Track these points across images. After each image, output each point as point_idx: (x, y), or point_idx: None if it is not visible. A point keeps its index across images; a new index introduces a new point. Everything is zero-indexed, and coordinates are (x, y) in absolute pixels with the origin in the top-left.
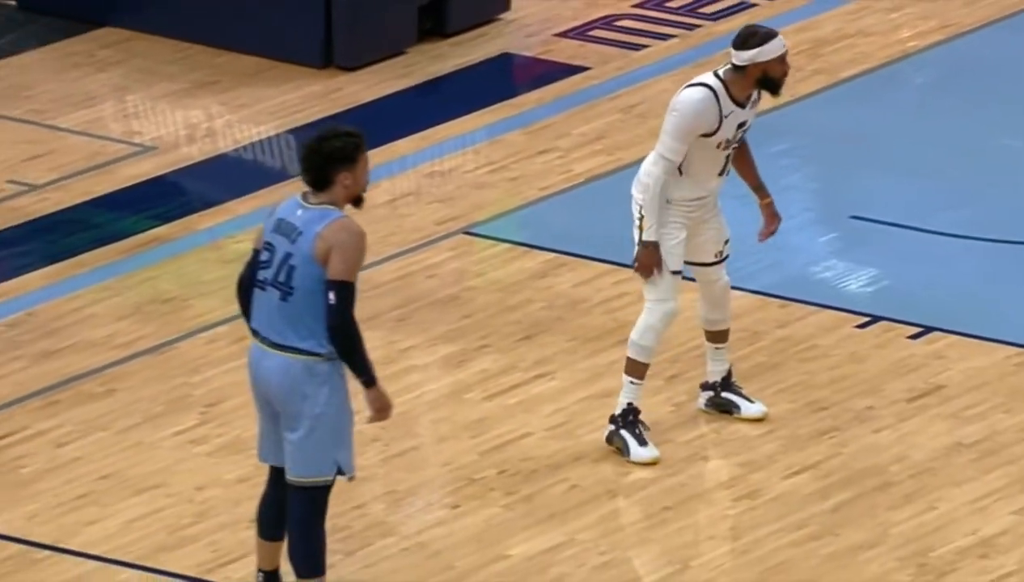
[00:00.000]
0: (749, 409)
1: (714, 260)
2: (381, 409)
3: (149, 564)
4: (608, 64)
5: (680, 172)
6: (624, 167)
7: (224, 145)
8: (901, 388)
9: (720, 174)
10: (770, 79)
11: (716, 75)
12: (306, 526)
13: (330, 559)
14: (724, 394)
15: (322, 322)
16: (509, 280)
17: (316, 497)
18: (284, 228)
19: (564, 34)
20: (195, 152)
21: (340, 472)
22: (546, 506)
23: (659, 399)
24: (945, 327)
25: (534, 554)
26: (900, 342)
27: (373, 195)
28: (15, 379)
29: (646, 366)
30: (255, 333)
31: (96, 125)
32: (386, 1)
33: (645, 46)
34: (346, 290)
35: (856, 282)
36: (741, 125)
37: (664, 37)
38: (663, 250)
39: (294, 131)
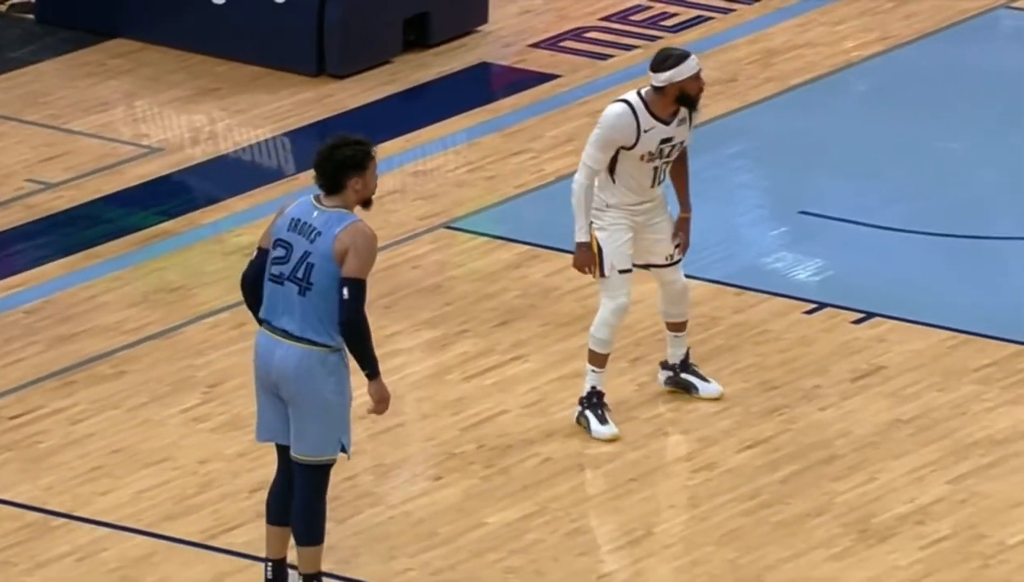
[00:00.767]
0: (706, 389)
1: (665, 263)
2: (381, 401)
3: (157, 531)
4: (577, 72)
5: (613, 181)
6: None
7: (225, 147)
8: (845, 369)
9: (653, 185)
10: (687, 96)
11: (638, 93)
12: (310, 499)
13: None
14: (683, 375)
15: (335, 318)
16: (487, 270)
17: (320, 473)
18: (301, 228)
19: (537, 45)
20: (198, 153)
21: (343, 450)
22: (521, 478)
23: (623, 380)
24: (886, 313)
25: (510, 522)
26: (844, 327)
27: None
28: (33, 362)
29: (604, 356)
30: (266, 323)
31: (107, 128)
32: (373, 15)
33: (611, 56)
34: (359, 287)
35: (804, 272)
36: (667, 140)
37: (628, 48)
38: (610, 251)
39: (289, 134)
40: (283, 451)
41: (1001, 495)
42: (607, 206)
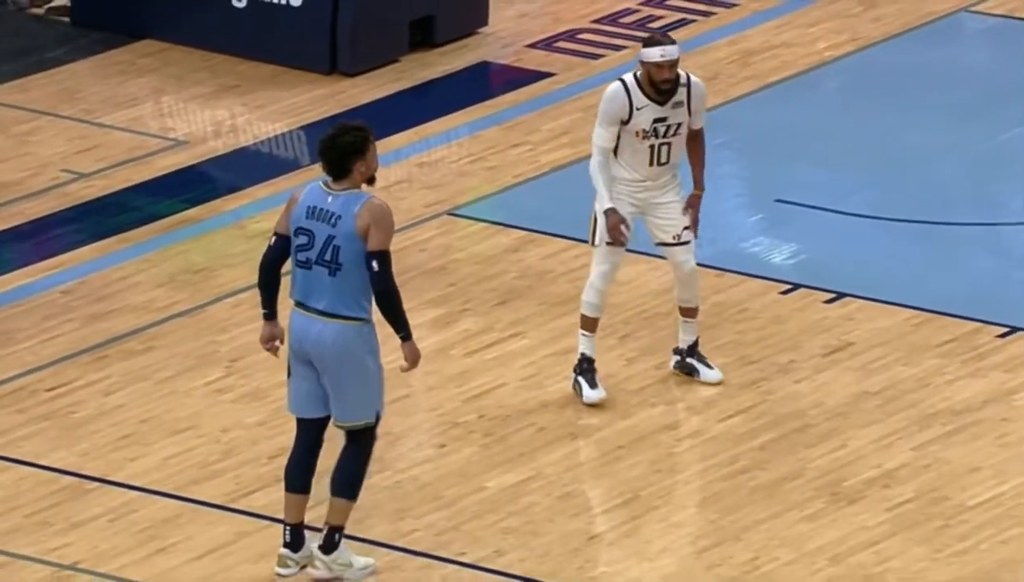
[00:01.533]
0: (707, 374)
1: (672, 242)
2: (414, 360)
3: (183, 494)
4: (571, 70)
5: (616, 157)
6: (585, 158)
7: (245, 139)
8: (818, 345)
9: (652, 164)
10: (652, 80)
11: (634, 74)
12: (355, 460)
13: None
14: (688, 359)
15: (365, 292)
16: (487, 254)
17: (365, 437)
18: (320, 214)
19: (534, 45)
20: (220, 146)
21: (378, 416)
22: (518, 446)
23: (613, 355)
24: (855, 293)
25: (508, 486)
26: (817, 306)
27: None
28: (69, 338)
29: (592, 320)
30: (300, 305)
31: (136, 123)
32: (382, 17)
33: (603, 55)
34: (385, 258)
35: (780, 255)
36: (660, 120)
37: (619, 48)
38: (603, 224)
39: (304, 128)
40: (306, 424)
41: (961, 461)
42: (613, 180)
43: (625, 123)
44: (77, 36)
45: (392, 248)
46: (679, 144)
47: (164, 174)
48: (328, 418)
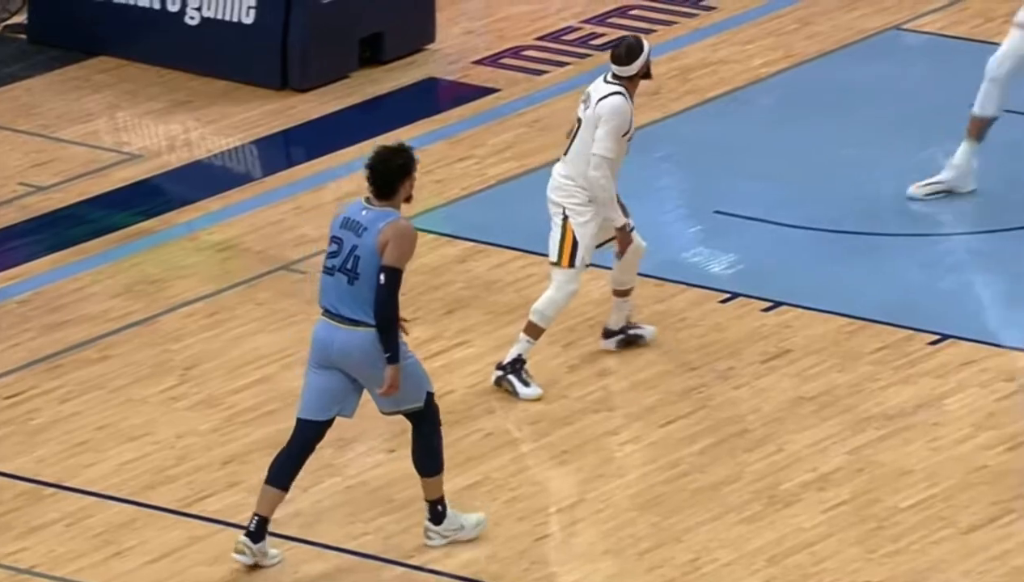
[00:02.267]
0: (648, 332)
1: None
2: (392, 386)
3: (138, 499)
4: (516, 86)
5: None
6: (530, 171)
7: (198, 154)
8: (756, 352)
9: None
10: (649, 74)
11: (617, 83)
12: (427, 436)
13: (286, 495)
14: (630, 331)
15: None
16: (435, 264)
17: (423, 413)
18: (351, 225)
19: (479, 62)
20: (174, 159)
21: (432, 395)
22: (466, 451)
23: (557, 362)
24: (791, 302)
25: (457, 490)
26: (755, 314)
27: (322, 195)
28: (26, 347)
29: (543, 330)
30: (326, 312)
31: (92, 137)
32: (332, 34)
33: (546, 71)
34: (395, 275)
35: (719, 265)
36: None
37: (562, 64)
38: (585, 246)
39: (256, 142)
40: (307, 424)
41: (893, 464)
42: (589, 201)
43: (626, 133)
44: (34, 53)
45: None
46: None
47: (119, 187)
48: (329, 423)
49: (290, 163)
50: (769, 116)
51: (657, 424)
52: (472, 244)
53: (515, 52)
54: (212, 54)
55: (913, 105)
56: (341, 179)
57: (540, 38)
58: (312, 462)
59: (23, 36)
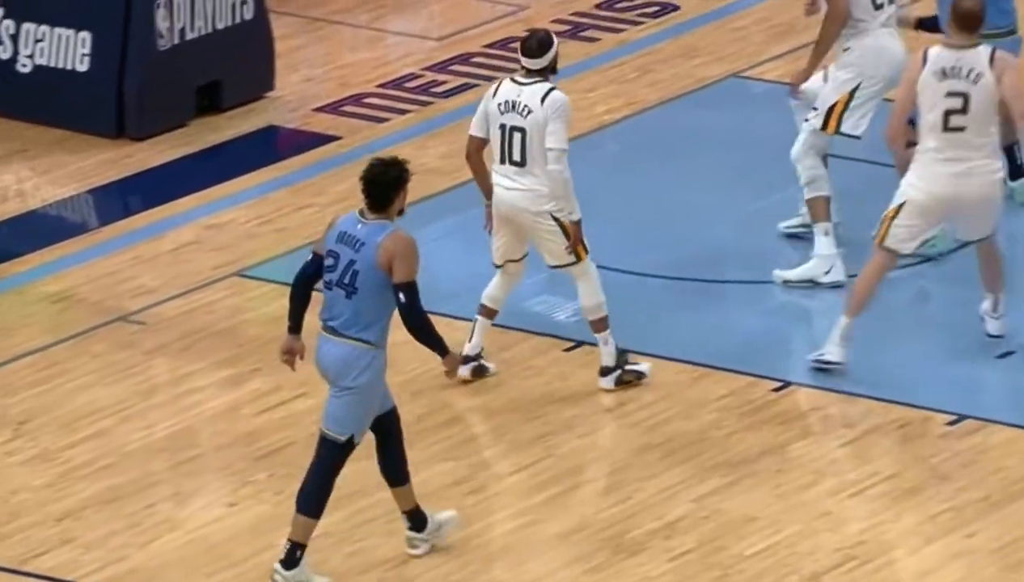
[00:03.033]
0: (492, 368)
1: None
2: (453, 367)
3: None
4: (357, 134)
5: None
6: None
7: (32, 204)
8: (601, 400)
9: None
10: (555, 69)
11: (540, 79)
12: (320, 472)
13: (123, 552)
14: (483, 361)
15: (379, 319)
16: (276, 315)
17: (332, 451)
18: (347, 240)
19: (320, 109)
20: (7, 210)
21: (351, 441)
22: None
23: (404, 410)
24: (638, 349)
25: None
26: (599, 362)
27: (160, 244)
28: None
29: (606, 316)
30: (323, 323)
31: None
32: (169, 82)
33: (387, 119)
34: (412, 289)
35: (564, 313)
36: None
37: (403, 112)
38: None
39: (92, 191)
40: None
41: (738, 511)
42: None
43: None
44: None
45: (182, 310)
46: None
47: None
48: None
49: (127, 212)
50: (613, 162)
51: (505, 473)
52: (314, 293)
53: (356, 99)
54: (46, 102)
55: (752, 151)
56: (180, 228)
57: (381, 85)
58: (149, 517)
59: None
